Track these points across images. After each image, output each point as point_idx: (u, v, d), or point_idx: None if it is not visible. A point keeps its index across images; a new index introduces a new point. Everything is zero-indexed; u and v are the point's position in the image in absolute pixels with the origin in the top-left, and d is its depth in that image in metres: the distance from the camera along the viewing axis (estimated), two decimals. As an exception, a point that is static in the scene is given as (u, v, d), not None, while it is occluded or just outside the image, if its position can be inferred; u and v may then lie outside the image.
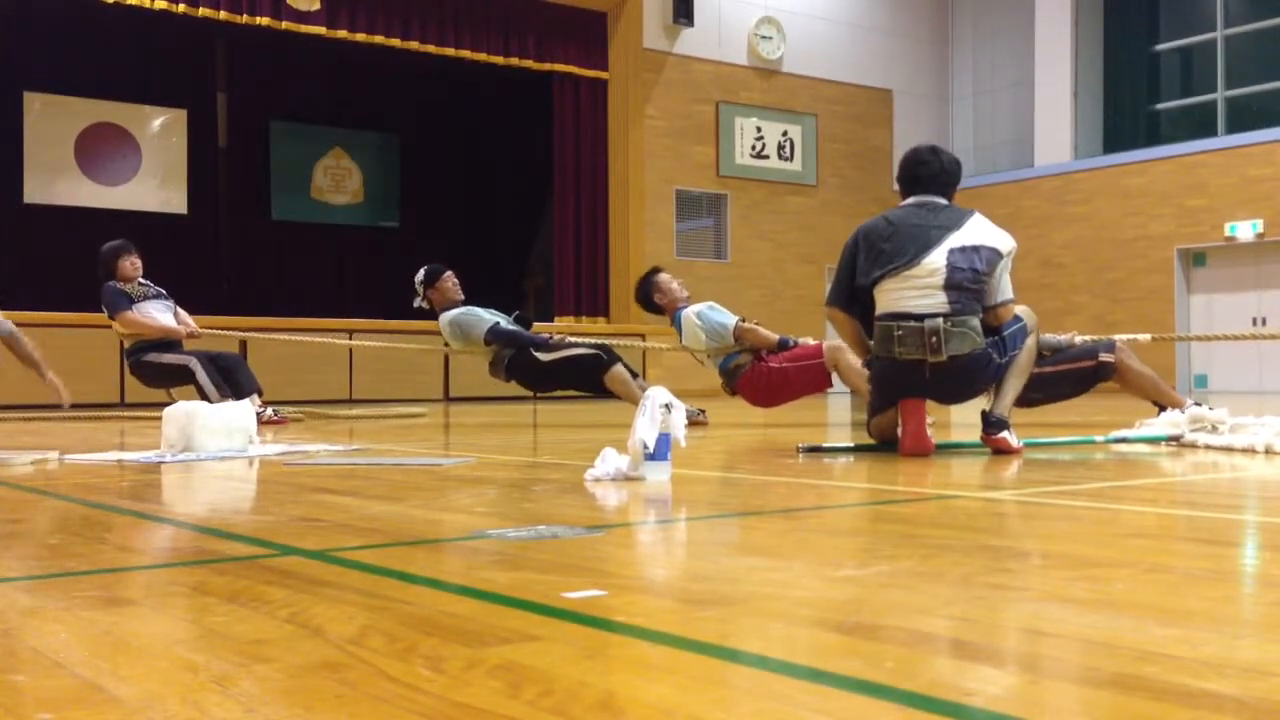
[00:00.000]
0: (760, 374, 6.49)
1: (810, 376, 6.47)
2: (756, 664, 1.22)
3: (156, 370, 7.58)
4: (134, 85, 14.39)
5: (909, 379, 4.03)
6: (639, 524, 2.46)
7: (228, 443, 4.34)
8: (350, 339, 11.65)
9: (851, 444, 4.48)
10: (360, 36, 13.26)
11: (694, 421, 6.35)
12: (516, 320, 7.11)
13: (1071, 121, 16.08)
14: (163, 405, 4.93)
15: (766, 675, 1.17)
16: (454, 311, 7.07)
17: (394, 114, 16.18)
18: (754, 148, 15.74)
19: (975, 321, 3.97)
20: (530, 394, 9.25)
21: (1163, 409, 5.10)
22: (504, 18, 14.14)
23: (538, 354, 6.90)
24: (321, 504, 2.76)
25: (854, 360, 6.14)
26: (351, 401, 11.77)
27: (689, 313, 6.64)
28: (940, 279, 3.95)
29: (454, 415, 8.88)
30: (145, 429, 6.59)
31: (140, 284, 7.68)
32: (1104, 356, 5.48)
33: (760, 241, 15.76)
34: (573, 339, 7.31)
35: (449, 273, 7.21)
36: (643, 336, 12.56)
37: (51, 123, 14.01)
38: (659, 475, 3.09)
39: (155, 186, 14.63)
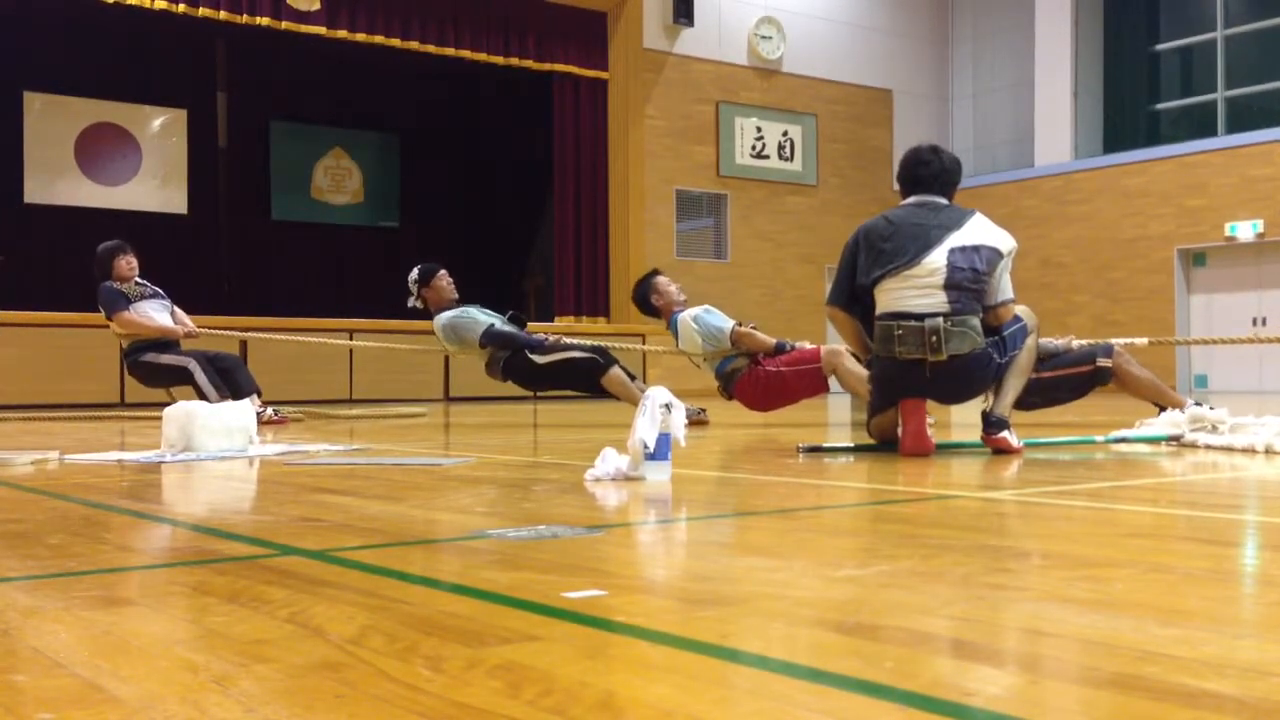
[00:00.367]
0: (757, 378, 6.48)
1: (807, 381, 6.47)
2: (756, 664, 1.22)
3: (154, 370, 7.58)
4: (134, 85, 14.38)
5: (909, 379, 4.03)
6: (639, 524, 2.46)
7: (228, 443, 4.34)
8: (350, 339, 11.64)
9: (851, 444, 4.48)
10: (360, 36, 13.25)
11: (696, 420, 6.35)
12: (511, 320, 7.10)
13: (1071, 121, 16.07)
14: (163, 405, 4.94)
15: (766, 675, 1.17)
16: (448, 315, 7.04)
17: (394, 114, 16.17)
18: (754, 148, 15.73)
19: (975, 321, 3.97)
20: (530, 394, 9.25)
21: (1163, 409, 5.09)
22: (504, 18, 14.13)
23: (533, 356, 6.89)
24: (321, 504, 2.76)
25: (851, 364, 6.14)
26: (351, 401, 11.77)
27: (685, 316, 6.63)
28: (940, 278, 3.96)
29: (454, 415, 8.87)
30: (145, 429, 6.59)
31: (137, 283, 7.68)
32: (1101, 362, 5.47)
33: (760, 241, 15.75)
34: (569, 340, 7.29)
35: (443, 271, 7.19)
36: (643, 337, 12.54)
37: (51, 123, 14.00)
38: (659, 475, 3.09)
39: (155, 186, 14.62)
